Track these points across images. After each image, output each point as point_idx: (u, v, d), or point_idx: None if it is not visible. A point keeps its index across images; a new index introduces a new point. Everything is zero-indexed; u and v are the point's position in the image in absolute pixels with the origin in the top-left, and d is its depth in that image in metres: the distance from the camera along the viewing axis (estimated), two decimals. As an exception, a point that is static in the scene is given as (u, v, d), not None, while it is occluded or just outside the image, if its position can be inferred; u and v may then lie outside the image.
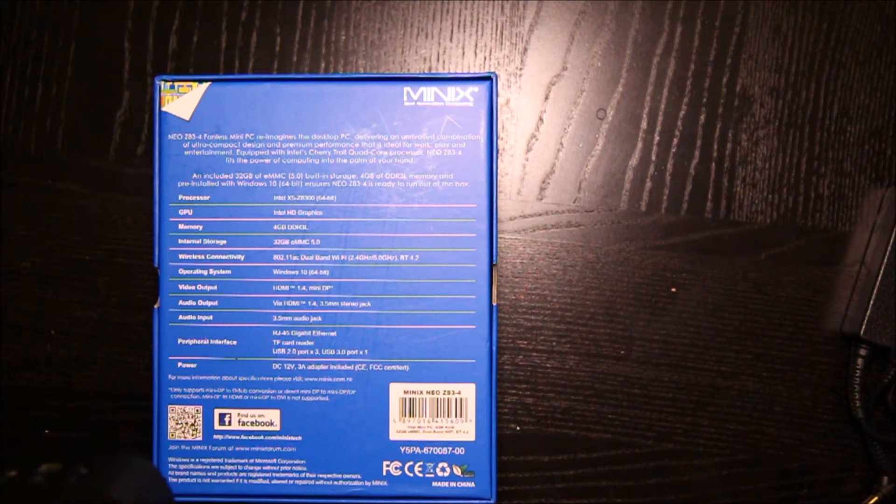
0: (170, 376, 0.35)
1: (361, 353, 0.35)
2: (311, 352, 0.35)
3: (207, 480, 0.36)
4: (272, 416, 0.35)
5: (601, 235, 0.38)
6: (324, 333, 0.35)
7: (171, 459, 0.35)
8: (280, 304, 0.35)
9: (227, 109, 0.36)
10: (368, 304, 0.35)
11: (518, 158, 0.39)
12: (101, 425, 0.38)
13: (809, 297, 0.38)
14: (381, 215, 0.35)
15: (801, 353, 0.38)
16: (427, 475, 0.35)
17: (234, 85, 0.36)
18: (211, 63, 0.39)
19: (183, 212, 0.36)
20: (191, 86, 0.36)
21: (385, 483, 0.35)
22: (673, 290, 0.38)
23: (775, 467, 0.38)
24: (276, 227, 0.35)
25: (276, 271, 0.35)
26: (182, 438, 0.36)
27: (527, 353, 0.38)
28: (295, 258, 0.35)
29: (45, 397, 0.38)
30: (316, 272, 0.35)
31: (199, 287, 0.35)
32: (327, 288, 0.35)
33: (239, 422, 0.35)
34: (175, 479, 0.35)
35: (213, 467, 0.35)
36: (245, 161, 0.36)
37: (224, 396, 0.35)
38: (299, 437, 0.35)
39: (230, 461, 0.36)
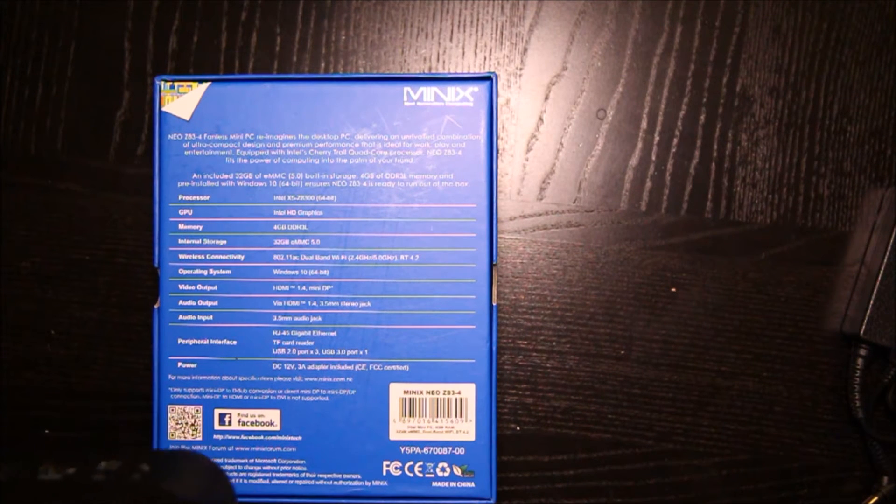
0: (170, 376, 0.35)
1: (361, 353, 0.35)
2: (311, 352, 0.35)
3: (207, 480, 0.35)
4: (272, 416, 0.35)
5: (601, 235, 0.38)
6: (324, 333, 0.35)
7: (171, 459, 0.35)
8: (280, 304, 0.35)
9: (227, 109, 0.36)
10: (368, 304, 0.35)
11: (518, 158, 0.39)
12: (101, 425, 0.38)
13: (809, 297, 0.38)
14: (381, 215, 0.35)
15: (801, 353, 0.38)
16: (427, 475, 0.35)
17: (234, 85, 0.36)
18: (211, 63, 0.39)
19: (183, 212, 0.36)
20: (191, 86, 0.36)
21: (385, 483, 0.35)
22: (673, 290, 0.38)
23: (775, 467, 0.38)
24: (276, 227, 0.35)
25: (276, 271, 0.35)
26: (182, 438, 0.36)
27: (527, 353, 0.38)
28: (295, 258, 0.35)
29: (45, 397, 0.38)
30: (316, 272, 0.35)
31: (199, 287, 0.35)
32: (327, 288, 0.35)
33: (239, 422, 0.35)
34: (175, 479, 0.35)
35: (213, 467, 0.35)
36: (245, 161, 0.36)
37: (224, 396, 0.35)
38: (299, 437, 0.35)
39: (230, 461, 0.36)
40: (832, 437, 0.38)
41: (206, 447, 0.35)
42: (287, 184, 0.35)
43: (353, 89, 0.36)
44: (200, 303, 0.35)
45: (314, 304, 0.35)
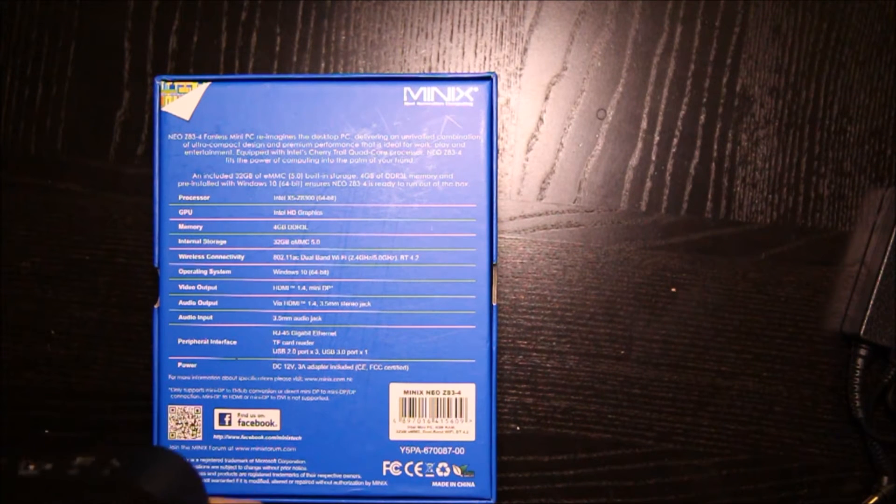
0: (170, 376, 0.35)
1: (361, 353, 0.35)
2: (311, 352, 0.35)
3: (207, 480, 0.35)
4: (272, 416, 0.35)
5: (601, 235, 0.38)
6: (324, 333, 0.35)
7: (171, 459, 0.35)
8: (280, 304, 0.35)
9: (227, 109, 0.36)
10: (368, 304, 0.35)
11: (518, 158, 0.39)
12: (101, 425, 0.38)
13: (809, 297, 0.38)
14: (381, 215, 0.35)
15: (801, 353, 0.38)
16: (427, 475, 0.35)
17: (234, 85, 0.36)
18: (211, 63, 0.39)
19: (183, 212, 0.36)
20: (191, 86, 0.36)
21: (385, 483, 0.35)
22: (673, 290, 0.38)
23: (775, 467, 0.38)
24: (276, 227, 0.35)
25: (276, 271, 0.35)
26: (182, 438, 0.36)
27: (527, 353, 0.38)
28: (295, 258, 0.35)
29: (45, 397, 0.38)
30: (316, 272, 0.35)
31: (199, 287, 0.35)
32: (327, 288, 0.35)
33: (239, 422, 0.35)
34: (175, 479, 0.35)
35: (213, 467, 0.35)
36: (245, 161, 0.36)
37: (224, 396, 0.35)
38: (299, 437, 0.35)
39: (230, 461, 0.36)
40: (832, 437, 0.38)
41: (206, 447, 0.35)
42: (287, 184, 0.35)
43: (353, 89, 0.36)
44: (200, 303, 0.35)
45: (314, 304, 0.35)
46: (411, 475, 0.35)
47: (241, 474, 0.35)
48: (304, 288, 0.35)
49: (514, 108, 0.39)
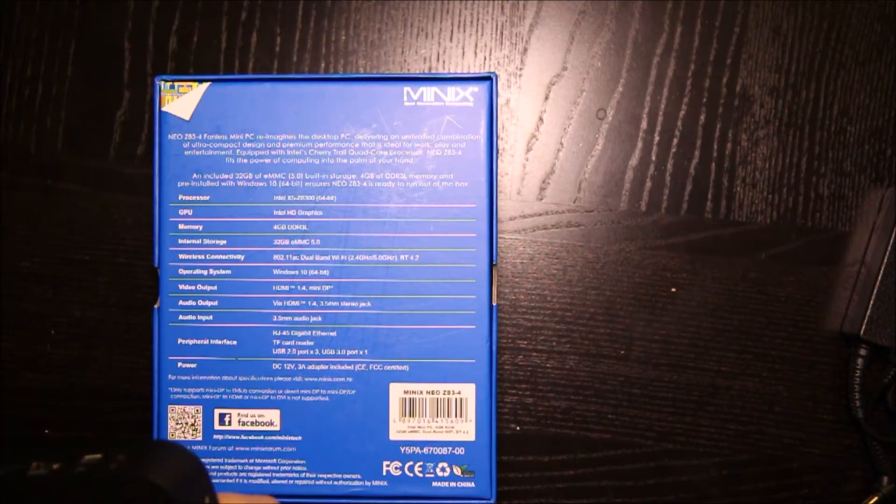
0: (170, 376, 0.35)
1: (361, 353, 0.35)
2: (311, 352, 0.35)
3: (207, 480, 0.35)
4: (272, 416, 0.35)
5: (601, 235, 0.38)
6: (324, 333, 0.35)
7: (171, 459, 0.35)
8: (280, 304, 0.35)
9: (227, 109, 0.36)
10: (368, 304, 0.35)
11: (518, 158, 0.39)
12: (101, 425, 0.38)
13: (809, 297, 0.38)
14: (381, 215, 0.35)
15: (801, 353, 0.38)
16: (427, 475, 0.35)
17: (234, 85, 0.36)
18: (211, 63, 0.39)
19: (183, 212, 0.36)
20: (191, 86, 0.36)
21: (385, 483, 0.35)
22: (673, 290, 0.38)
23: (775, 467, 0.38)
24: (276, 227, 0.35)
25: (276, 271, 0.35)
26: (182, 438, 0.36)
27: (527, 353, 0.38)
28: (295, 258, 0.35)
29: (45, 397, 0.38)
30: (316, 272, 0.35)
31: (199, 287, 0.35)
32: (327, 288, 0.35)
33: (239, 422, 0.35)
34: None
35: (213, 467, 0.35)
36: (245, 161, 0.36)
37: (224, 396, 0.35)
38: (299, 437, 0.35)
39: (230, 461, 0.36)
40: (832, 437, 0.38)
41: (206, 447, 0.35)
42: (287, 184, 0.35)
43: (353, 89, 0.36)
44: (200, 303, 0.35)
45: (314, 304, 0.35)
46: (411, 475, 0.35)
47: (241, 474, 0.35)
48: (304, 288, 0.35)
49: (514, 108, 0.39)
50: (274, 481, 0.35)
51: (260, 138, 0.36)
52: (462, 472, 0.35)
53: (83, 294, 0.38)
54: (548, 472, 0.38)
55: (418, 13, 0.39)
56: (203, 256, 0.35)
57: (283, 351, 0.35)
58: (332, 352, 0.35)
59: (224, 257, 0.35)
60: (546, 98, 0.39)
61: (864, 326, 0.36)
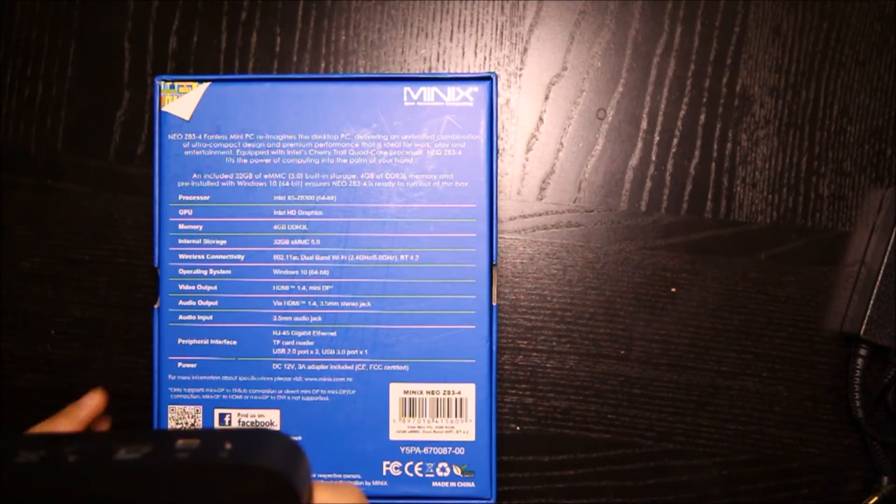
0: (170, 376, 0.35)
1: (361, 353, 0.35)
2: (311, 352, 0.35)
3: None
4: (272, 416, 0.35)
5: (601, 235, 0.38)
6: (324, 333, 0.35)
7: (171, 459, 0.35)
8: (280, 304, 0.35)
9: (227, 109, 0.36)
10: (368, 304, 0.35)
11: (518, 158, 0.39)
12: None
13: (809, 297, 0.38)
14: (381, 215, 0.35)
15: (801, 353, 0.38)
16: (427, 475, 0.35)
17: (234, 85, 0.36)
18: (211, 63, 0.39)
19: (183, 212, 0.36)
20: (191, 86, 0.36)
21: (385, 483, 0.35)
22: (673, 290, 0.38)
23: (775, 467, 0.38)
24: (276, 227, 0.35)
25: (276, 271, 0.35)
26: (182, 438, 0.36)
27: (527, 353, 0.38)
28: (295, 258, 0.35)
29: (45, 397, 0.38)
30: (316, 272, 0.35)
31: (199, 287, 0.35)
32: (327, 288, 0.35)
33: (239, 422, 0.35)
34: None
35: (213, 467, 0.35)
36: (245, 161, 0.35)
37: (224, 396, 0.35)
38: (299, 438, 0.35)
39: (230, 461, 0.35)
40: (832, 437, 0.38)
41: (206, 447, 0.35)
42: (287, 184, 0.35)
43: (353, 89, 0.36)
44: (200, 303, 0.35)
45: (314, 304, 0.35)
46: (411, 475, 0.35)
47: (241, 474, 0.35)
48: (304, 288, 0.35)
49: (514, 108, 0.39)
50: (274, 481, 0.35)
51: (260, 138, 0.36)
52: (462, 472, 0.35)
53: (83, 294, 0.38)
54: (548, 472, 0.38)
55: (418, 13, 0.39)
56: (203, 256, 0.35)
57: (283, 351, 0.35)
58: (332, 352, 0.35)
59: (224, 257, 0.35)
60: (546, 98, 0.39)
61: (864, 326, 0.36)
